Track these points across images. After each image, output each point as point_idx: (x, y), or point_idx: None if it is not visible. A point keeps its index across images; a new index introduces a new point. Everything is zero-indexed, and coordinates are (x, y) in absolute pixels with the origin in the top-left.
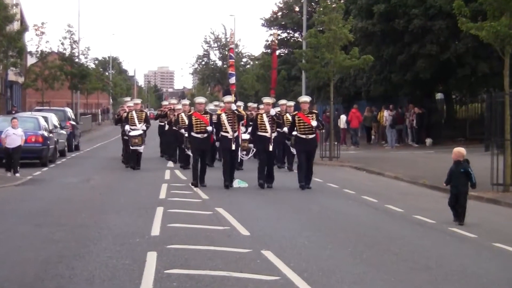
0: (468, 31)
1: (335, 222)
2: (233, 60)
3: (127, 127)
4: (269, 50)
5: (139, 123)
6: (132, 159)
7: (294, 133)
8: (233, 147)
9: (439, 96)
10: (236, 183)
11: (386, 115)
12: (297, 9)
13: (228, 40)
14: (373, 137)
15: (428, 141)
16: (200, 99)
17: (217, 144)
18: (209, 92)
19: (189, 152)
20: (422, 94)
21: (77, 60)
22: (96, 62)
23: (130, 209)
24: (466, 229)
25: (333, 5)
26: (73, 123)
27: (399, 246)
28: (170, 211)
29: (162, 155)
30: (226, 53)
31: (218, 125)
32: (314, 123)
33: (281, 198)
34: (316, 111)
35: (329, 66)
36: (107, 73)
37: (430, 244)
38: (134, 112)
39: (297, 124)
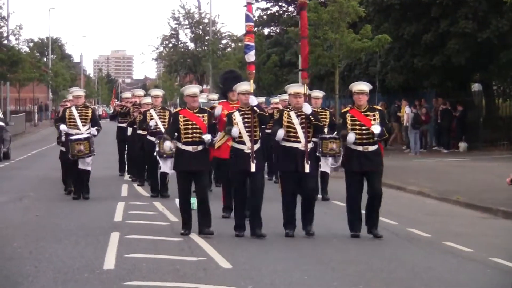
0: None
1: (342, 251)
2: (252, 24)
3: (63, 126)
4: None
5: (83, 125)
6: (74, 179)
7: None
8: (253, 168)
9: (476, 87)
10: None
11: (408, 112)
12: None
13: (202, 15)
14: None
15: (462, 145)
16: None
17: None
18: (178, 83)
19: (165, 166)
20: (455, 84)
21: (5, 42)
22: (31, 44)
23: (76, 236)
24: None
25: None
26: (2, 124)
27: (426, 282)
28: (128, 238)
29: (122, 174)
30: (200, 32)
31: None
32: (376, 128)
33: (271, 217)
34: (379, 107)
35: (334, 49)
36: (45, 59)
37: (467, 279)
38: (74, 109)
39: (350, 127)
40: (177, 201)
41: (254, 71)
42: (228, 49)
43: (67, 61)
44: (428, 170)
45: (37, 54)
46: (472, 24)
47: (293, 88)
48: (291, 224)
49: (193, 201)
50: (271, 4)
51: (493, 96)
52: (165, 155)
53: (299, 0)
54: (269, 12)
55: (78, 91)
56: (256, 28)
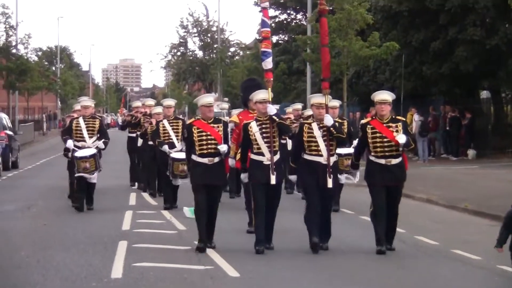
0: None
1: (350, 259)
2: (268, 30)
3: (69, 142)
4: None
5: (90, 137)
6: (80, 193)
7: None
8: (273, 180)
9: (484, 94)
10: (188, 213)
11: (416, 119)
12: None
13: (210, 23)
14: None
15: (471, 153)
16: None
17: (242, 176)
18: (186, 92)
19: (176, 181)
20: (463, 92)
21: (14, 51)
22: (40, 53)
23: (84, 244)
24: None
25: None
26: (10, 133)
27: None
28: (136, 247)
29: (133, 184)
30: (209, 40)
31: (246, 142)
32: (401, 137)
33: (281, 225)
34: (402, 118)
35: (342, 57)
36: (53, 68)
37: (475, 287)
38: (81, 120)
39: (370, 140)
40: (185, 209)
41: (271, 79)
42: (237, 57)
43: (75, 70)
44: (437, 177)
45: (46, 63)
46: (480, 31)
47: (316, 98)
48: (317, 234)
49: (192, 210)
50: (280, 12)
51: (501, 103)
52: (178, 177)
53: (319, 7)
54: (277, 20)
55: (87, 101)
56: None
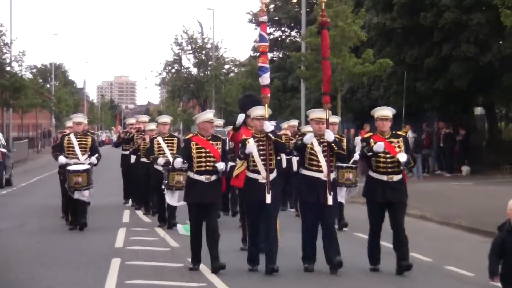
0: None
1: (344, 277)
2: (266, 44)
3: (61, 158)
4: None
5: (83, 155)
6: (72, 211)
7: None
8: (268, 199)
9: (478, 111)
10: (182, 230)
11: (410, 135)
12: (294, 0)
13: (205, 40)
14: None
15: (465, 169)
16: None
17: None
18: (181, 109)
19: (172, 200)
20: (457, 108)
21: (8, 68)
22: (34, 70)
23: (77, 262)
24: None
25: None
26: (4, 150)
27: None
28: (129, 264)
29: (126, 202)
30: (203, 57)
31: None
32: (402, 156)
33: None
34: (403, 133)
35: (336, 74)
36: (48, 85)
37: None
38: (73, 137)
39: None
40: (179, 226)
41: (268, 95)
42: (231, 74)
43: (70, 87)
44: (431, 194)
45: (40, 80)
46: (474, 48)
47: (316, 113)
48: (311, 258)
49: (188, 227)
50: (274, 29)
51: (495, 119)
52: (174, 188)
53: (320, 19)
54: (271, 37)
55: (79, 118)
56: (258, 53)
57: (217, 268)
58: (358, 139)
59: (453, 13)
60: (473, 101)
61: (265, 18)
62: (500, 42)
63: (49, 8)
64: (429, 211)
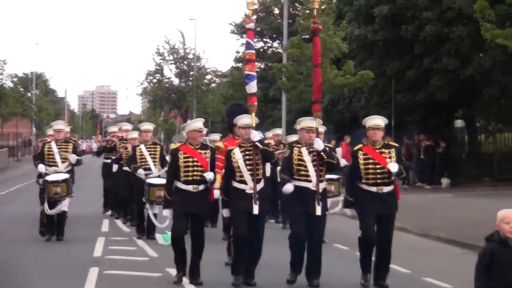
0: (494, 40)
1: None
2: (253, 52)
3: (41, 166)
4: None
5: (63, 162)
6: (48, 219)
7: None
8: (255, 210)
9: (459, 123)
10: (161, 240)
11: None
12: (276, 11)
13: (186, 50)
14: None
15: (445, 181)
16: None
17: (223, 211)
18: (162, 119)
19: (150, 212)
20: (438, 121)
21: None
22: (15, 79)
23: (56, 271)
24: None
25: (322, 7)
26: None
27: None
28: (107, 273)
29: (105, 211)
30: (185, 67)
31: (229, 170)
32: (393, 166)
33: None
34: (395, 144)
35: None
36: (29, 94)
37: None
38: (54, 144)
39: (362, 167)
40: (157, 236)
41: (256, 103)
42: (213, 85)
43: (51, 96)
44: (411, 206)
45: (21, 89)
46: (455, 61)
47: (306, 122)
48: (299, 269)
49: (167, 237)
50: (256, 39)
51: (476, 132)
52: (154, 203)
53: (312, 25)
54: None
55: (60, 125)
56: (240, 64)
57: (194, 281)
58: (339, 150)
59: (434, 26)
60: (454, 114)
61: (251, 25)
62: (481, 55)
63: (31, 17)
64: (409, 223)
